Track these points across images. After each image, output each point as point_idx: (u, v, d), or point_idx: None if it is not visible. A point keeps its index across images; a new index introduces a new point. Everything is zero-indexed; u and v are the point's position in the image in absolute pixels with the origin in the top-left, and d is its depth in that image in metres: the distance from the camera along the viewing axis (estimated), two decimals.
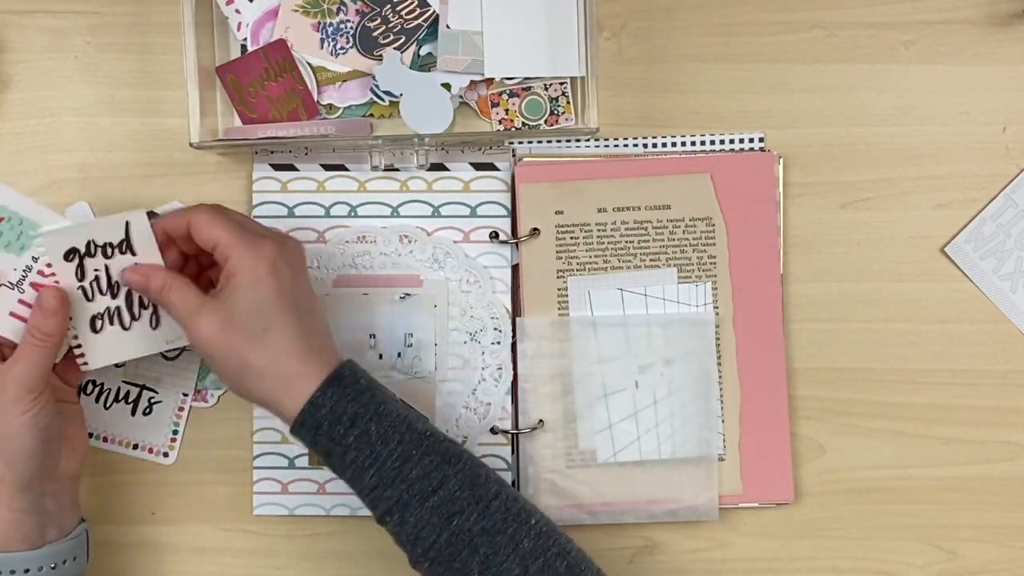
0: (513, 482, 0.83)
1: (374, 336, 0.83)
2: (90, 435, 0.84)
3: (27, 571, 0.69)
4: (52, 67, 0.85)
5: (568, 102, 0.83)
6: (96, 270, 0.72)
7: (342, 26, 0.82)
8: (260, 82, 0.82)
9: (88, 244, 0.71)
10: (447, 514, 0.67)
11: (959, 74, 0.84)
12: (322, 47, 0.82)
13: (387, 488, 0.68)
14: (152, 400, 0.84)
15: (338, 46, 0.82)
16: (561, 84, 0.83)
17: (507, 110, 0.83)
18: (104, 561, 0.81)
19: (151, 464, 0.84)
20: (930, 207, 0.85)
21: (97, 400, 0.84)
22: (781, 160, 0.84)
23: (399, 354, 0.83)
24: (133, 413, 0.84)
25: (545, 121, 0.83)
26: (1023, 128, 0.84)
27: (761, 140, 0.84)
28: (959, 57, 0.84)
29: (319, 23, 0.82)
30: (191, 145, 0.80)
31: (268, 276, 0.68)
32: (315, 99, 0.82)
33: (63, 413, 0.73)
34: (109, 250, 0.72)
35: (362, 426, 0.68)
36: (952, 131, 0.84)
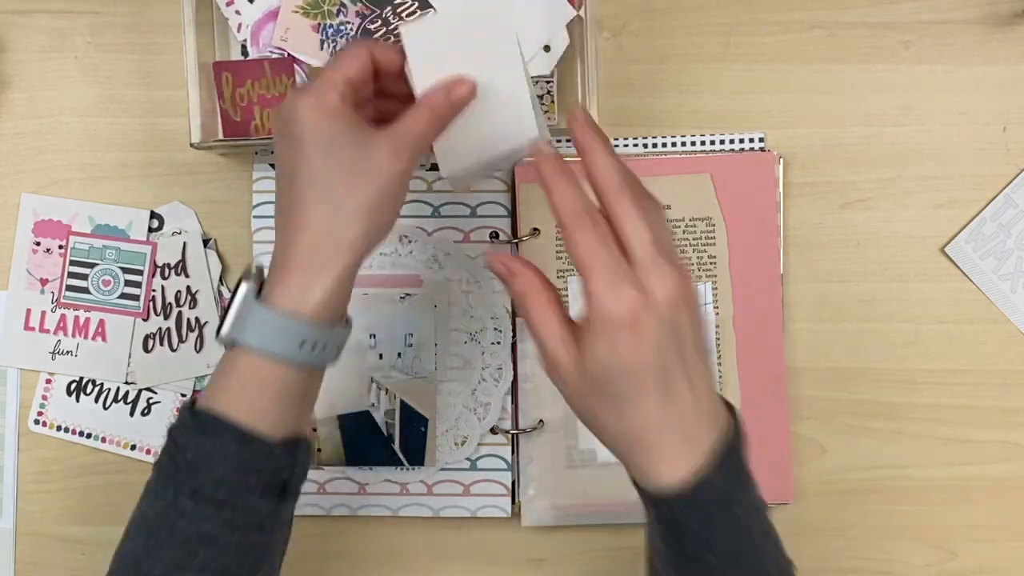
0: (513, 482, 0.83)
1: (374, 336, 0.83)
2: (89, 435, 0.84)
3: (325, 348, 0.61)
4: (52, 67, 0.85)
5: (552, 101, 0.83)
6: None
7: (342, 28, 0.82)
8: (254, 89, 0.82)
9: None
10: None
11: (959, 74, 0.84)
12: (322, 48, 0.82)
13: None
14: (151, 401, 0.84)
15: (338, 48, 0.82)
16: (547, 83, 0.83)
17: None
18: (103, 562, 0.81)
19: (150, 465, 0.83)
20: (930, 207, 0.85)
21: (96, 400, 0.84)
22: (781, 160, 0.84)
23: (399, 354, 0.83)
24: (132, 414, 0.84)
25: None
26: (1023, 128, 0.84)
27: (761, 140, 0.84)
28: (959, 57, 0.84)
29: (319, 24, 0.82)
30: (191, 145, 0.80)
31: (626, 336, 0.55)
32: None
33: None
34: None
35: (744, 517, 0.58)
36: (952, 131, 0.84)
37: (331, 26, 0.82)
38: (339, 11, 0.82)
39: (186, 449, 0.59)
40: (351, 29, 0.82)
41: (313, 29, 0.82)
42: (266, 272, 0.62)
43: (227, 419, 0.59)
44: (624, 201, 0.57)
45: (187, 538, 0.59)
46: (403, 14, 0.81)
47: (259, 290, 0.61)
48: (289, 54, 0.82)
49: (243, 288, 0.60)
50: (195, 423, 0.60)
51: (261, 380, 0.60)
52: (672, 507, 0.57)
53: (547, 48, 0.81)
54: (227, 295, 0.64)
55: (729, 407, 0.60)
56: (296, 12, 0.81)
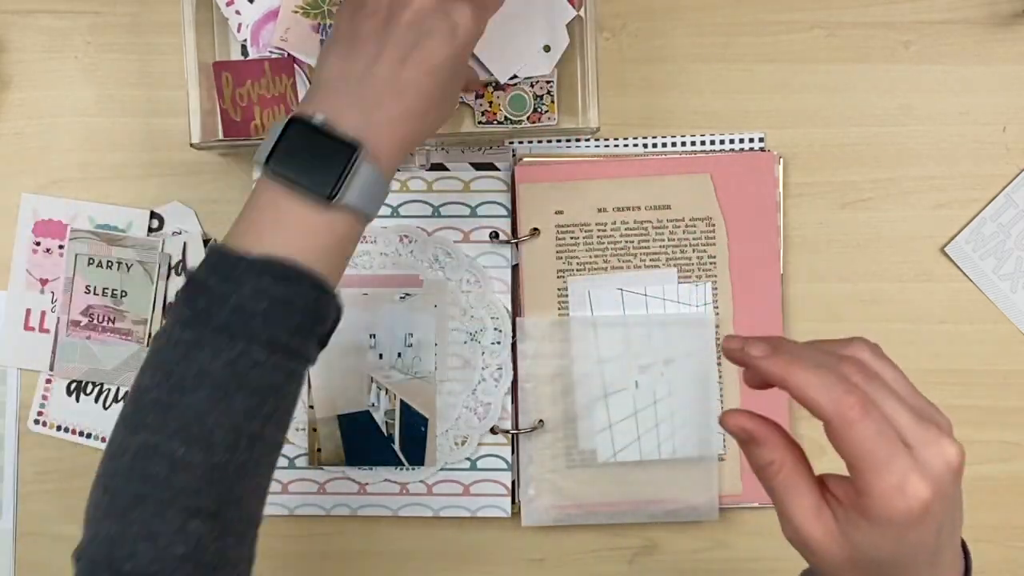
0: (513, 482, 0.83)
1: (374, 336, 0.83)
2: (89, 435, 0.84)
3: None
4: (52, 67, 0.85)
5: (552, 101, 0.83)
6: None
7: None
8: (254, 89, 0.82)
9: None
10: None
11: (959, 74, 0.84)
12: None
13: None
14: None
15: None
16: (548, 83, 0.83)
17: (491, 103, 0.83)
18: None
19: None
20: (930, 207, 0.85)
21: (96, 400, 0.84)
22: (781, 160, 0.84)
23: (399, 354, 0.83)
24: None
25: (528, 118, 0.83)
26: (1023, 128, 0.84)
27: (761, 140, 0.84)
28: (959, 57, 0.84)
29: (319, 24, 0.82)
30: (191, 145, 0.79)
31: (911, 528, 0.50)
32: None
33: None
34: None
35: None
36: (952, 131, 0.84)
37: (331, 25, 0.82)
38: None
39: (261, 297, 0.57)
40: None
41: (313, 29, 0.82)
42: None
43: (307, 269, 0.59)
44: (868, 385, 0.52)
45: (258, 388, 0.58)
46: None
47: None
48: (289, 54, 0.82)
49: (361, 155, 0.60)
50: (269, 270, 0.58)
51: (350, 238, 0.62)
52: None
53: (547, 48, 0.81)
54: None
55: (963, 546, 0.57)
56: (296, 12, 0.81)
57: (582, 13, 0.80)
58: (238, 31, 0.82)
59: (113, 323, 0.83)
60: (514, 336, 0.83)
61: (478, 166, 0.83)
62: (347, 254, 0.63)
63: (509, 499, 0.84)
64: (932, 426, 0.52)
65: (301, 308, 0.59)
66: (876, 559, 0.51)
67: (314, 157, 0.60)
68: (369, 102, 0.62)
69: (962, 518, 0.54)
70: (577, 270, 0.83)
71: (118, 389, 0.84)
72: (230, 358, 0.57)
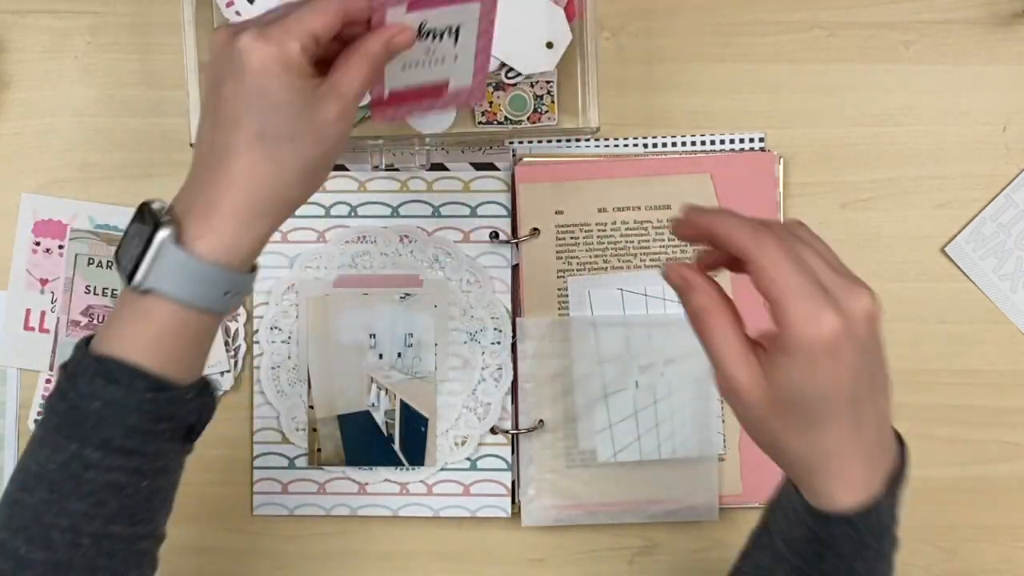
0: (513, 482, 0.83)
1: (374, 336, 0.83)
2: None
3: (238, 295, 0.60)
4: (52, 67, 0.85)
5: (552, 101, 0.83)
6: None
7: None
8: None
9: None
10: None
11: (959, 74, 0.84)
12: None
13: None
14: None
15: None
16: (548, 83, 0.83)
17: (491, 102, 0.83)
18: None
19: None
20: (930, 207, 0.85)
21: None
22: (781, 160, 0.84)
23: (399, 354, 0.83)
24: None
25: (528, 118, 0.83)
26: (1023, 128, 0.84)
27: (761, 140, 0.84)
28: (959, 57, 0.84)
29: None
30: (191, 145, 0.79)
31: (828, 361, 0.53)
32: None
33: None
34: None
35: (888, 546, 0.59)
36: (952, 131, 0.84)
37: None
38: None
39: (93, 398, 0.56)
40: None
41: None
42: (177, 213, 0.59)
43: (139, 367, 0.57)
44: (789, 239, 0.55)
45: (95, 489, 0.57)
46: None
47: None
48: None
49: (162, 233, 0.57)
50: (102, 371, 0.57)
51: (176, 328, 0.58)
52: (832, 526, 0.56)
53: (550, 45, 0.81)
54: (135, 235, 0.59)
55: (896, 435, 0.60)
56: None
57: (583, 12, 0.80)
58: None
59: None
60: (514, 336, 0.83)
61: (478, 166, 0.83)
62: (190, 343, 0.59)
63: (509, 499, 0.84)
64: (851, 280, 0.55)
65: (134, 409, 0.57)
66: (795, 399, 0.54)
67: (130, 239, 0.59)
68: (203, 182, 0.59)
69: (886, 382, 0.58)
70: (577, 270, 0.83)
71: None
72: (63, 459, 0.57)
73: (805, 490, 0.57)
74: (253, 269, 0.61)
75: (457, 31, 0.64)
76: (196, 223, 0.58)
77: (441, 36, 0.64)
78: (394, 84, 0.66)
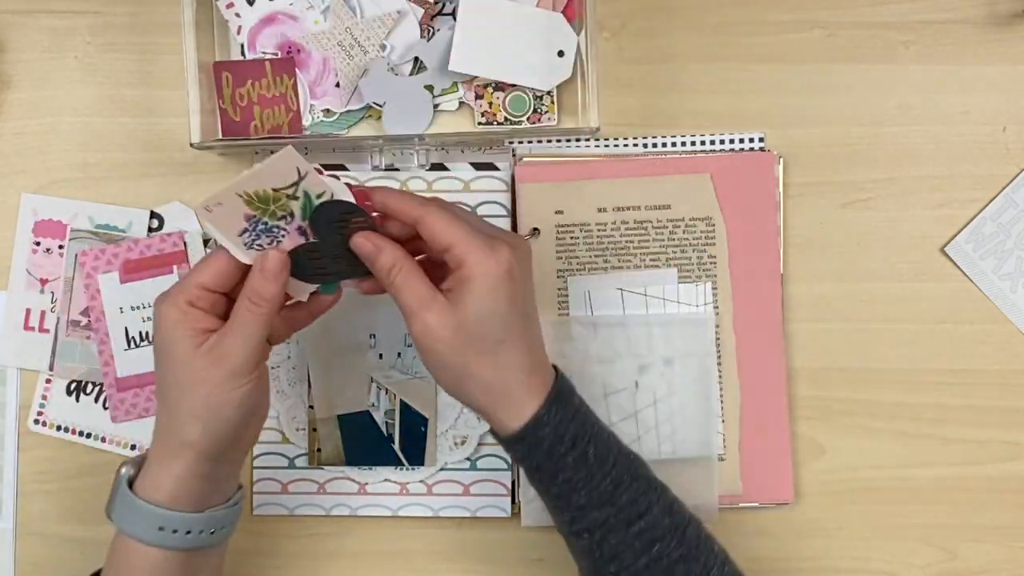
0: (513, 482, 0.83)
1: (374, 336, 0.83)
2: (89, 435, 0.84)
3: (188, 532, 0.67)
4: (52, 67, 0.85)
5: (552, 101, 0.83)
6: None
7: (275, 229, 0.68)
8: (254, 89, 0.82)
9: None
10: (649, 540, 0.67)
11: (959, 74, 0.84)
12: (240, 235, 0.68)
13: (596, 510, 0.67)
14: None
15: (255, 243, 0.71)
16: None
17: (491, 103, 0.83)
18: (103, 562, 0.81)
19: None
20: (930, 207, 0.85)
21: (96, 400, 0.84)
22: (781, 160, 0.84)
23: (399, 354, 0.83)
24: None
25: (528, 119, 0.83)
26: (1023, 128, 0.84)
27: (761, 140, 0.84)
28: (959, 57, 0.84)
29: (254, 217, 0.74)
30: (191, 145, 0.80)
31: (505, 284, 0.64)
32: (302, 120, 0.82)
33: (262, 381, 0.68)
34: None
35: (581, 447, 0.67)
36: (952, 131, 0.84)
37: (264, 223, 0.68)
38: (284, 217, 0.68)
39: None
40: (283, 236, 0.68)
41: (245, 218, 0.67)
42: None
43: None
44: (448, 204, 0.68)
45: None
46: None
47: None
48: (289, 54, 0.82)
49: (121, 472, 0.67)
50: None
51: (131, 561, 0.67)
52: (516, 446, 0.67)
53: (561, 53, 0.81)
54: None
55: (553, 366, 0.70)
56: (240, 196, 0.66)
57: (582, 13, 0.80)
58: (238, 33, 0.82)
59: None
60: None
61: (478, 166, 0.83)
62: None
63: (509, 499, 0.84)
64: (503, 230, 0.70)
65: None
66: (482, 324, 0.64)
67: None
68: (161, 430, 0.68)
69: (536, 312, 0.69)
70: (577, 270, 0.83)
71: None
72: None
73: (496, 425, 0.67)
74: (232, 503, 0.70)
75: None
76: (153, 470, 0.67)
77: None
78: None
